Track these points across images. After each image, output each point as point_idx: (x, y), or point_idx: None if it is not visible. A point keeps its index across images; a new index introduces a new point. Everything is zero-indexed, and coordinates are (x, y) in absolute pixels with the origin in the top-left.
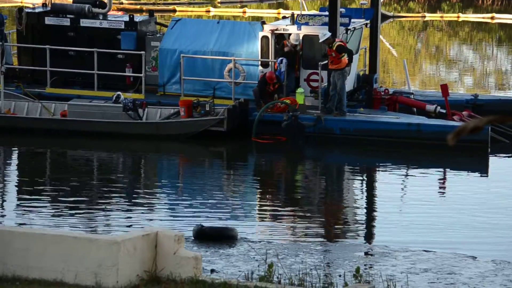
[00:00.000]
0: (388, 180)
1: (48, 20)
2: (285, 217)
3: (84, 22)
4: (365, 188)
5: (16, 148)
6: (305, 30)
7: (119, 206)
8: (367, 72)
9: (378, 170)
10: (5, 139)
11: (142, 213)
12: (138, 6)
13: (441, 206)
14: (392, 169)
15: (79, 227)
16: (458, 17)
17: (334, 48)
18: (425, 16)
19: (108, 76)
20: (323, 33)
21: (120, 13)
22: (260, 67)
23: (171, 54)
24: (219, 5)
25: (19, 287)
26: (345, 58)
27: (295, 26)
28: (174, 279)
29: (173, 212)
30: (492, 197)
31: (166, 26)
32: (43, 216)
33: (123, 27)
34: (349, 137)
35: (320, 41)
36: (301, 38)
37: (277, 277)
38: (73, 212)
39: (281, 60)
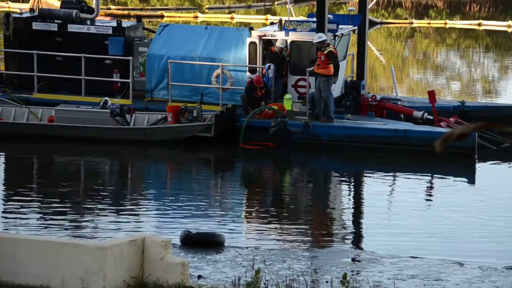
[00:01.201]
0: (375, 186)
1: (36, 25)
2: (272, 223)
3: (72, 28)
4: (352, 194)
5: (3, 154)
6: (293, 36)
7: (106, 212)
8: (354, 78)
9: (366, 176)
10: None
11: (129, 218)
12: (126, 12)
13: (428, 213)
14: (379, 175)
15: (66, 233)
16: (446, 23)
17: (325, 53)
18: (412, 23)
19: (95, 82)
20: (319, 35)
21: (107, 18)
22: (247, 73)
23: (158, 59)
24: (207, 11)
25: None
26: (331, 67)
27: (283, 32)
28: (161, 285)
29: (160, 218)
30: (479, 204)
31: (153, 31)
32: (30, 222)
33: (110, 32)
34: (336, 143)
35: (314, 41)
36: (288, 44)
37: (264, 283)
38: (60, 217)
39: (269, 66)
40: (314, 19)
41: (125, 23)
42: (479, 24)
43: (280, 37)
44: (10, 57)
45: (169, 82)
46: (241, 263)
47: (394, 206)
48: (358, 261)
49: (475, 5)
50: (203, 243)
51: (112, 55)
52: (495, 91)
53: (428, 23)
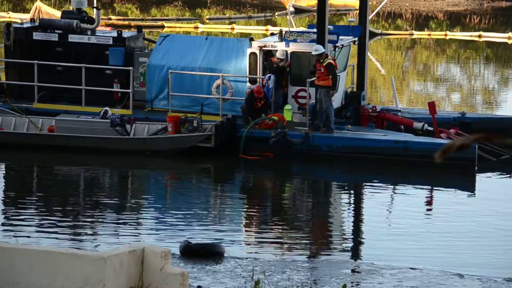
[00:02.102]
0: (375, 197)
1: (36, 36)
2: (272, 233)
3: (72, 38)
4: (352, 205)
5: (3, 163)
6: (293, 47)
7: (105, 222)
8: (355, 89)
9: (365, 187)
10: None
11: (129, 229)
12: (127, 22)
13: (428, 224)
14: (379, 186)
15: (65, 243)
16: (446, 35)
17: (324, 64)
18: (412, 34)
19: (96, 92)
20: (316, 48)
21: (108, 28)
22: (248, 84)
23: (159, 70)
24: (207, 21)
25: None
26: (330, 79)
27: (283, 43)
28: None
29: (160, 228)
30: (479, 215)
31: (154, 42)
32: (30, 232)
33: (111, 42)
34: (336, 154)
35: (313, 53)
36: (288, 54)
37: None
38: (60, 227)
39: (269, 77)
40: (315, 30)
41: (126, 33)
42: (480, 36)
43: (281, 48)
44: (10, 67)
45: (170, 92)
46: (240, 274)
47: (393, 217)
48: (358, 272)
49: (475, 17)
50: (202, 254)
51: (113, 65)
52: (495, 103)
53: (429, 35)
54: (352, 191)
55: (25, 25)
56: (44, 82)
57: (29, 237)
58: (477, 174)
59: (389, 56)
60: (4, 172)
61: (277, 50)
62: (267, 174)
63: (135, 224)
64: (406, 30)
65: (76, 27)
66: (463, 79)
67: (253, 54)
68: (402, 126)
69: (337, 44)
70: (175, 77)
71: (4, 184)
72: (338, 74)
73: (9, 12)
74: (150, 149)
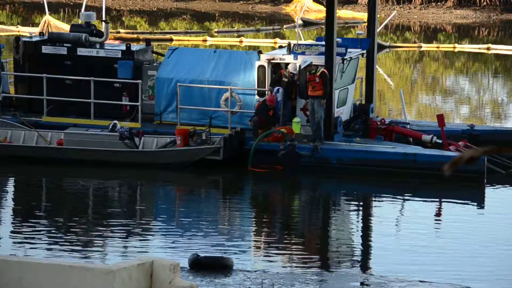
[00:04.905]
0: (384, 209)
1: (45, 49)
2: (281, 246)
3: (81, 51)
4: (361, 218)
5: (12, 177)
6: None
7: (114, 235)
8: (363, 102)
9: (374, 200)
10: (1, 168)
11: (138, 242)
12: (135, 35)
13: (437, 237)
14: (388, 199)
15: (74, 256)
16: (454, 47)
17: (318, 74)
18: (421, 46)
19: (104, 105)
20: (304, 60)
21: (117, 42)
22: (256, 96)
23: (167, 83)
24: (216, 34)
25: None
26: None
27: (292, 56)
28: None
29: (169, 241)
30: (488, 228)
31: (162, 55)
32: (38, 245)
33: (120, 56)
34: (345, 167)
35: (302, 67)
36: (297, 67)
37: None
38: (69, 240)
39: (278, 90)
40: (323, 42)
41: (134, 46)
42: (488, 48)
43: (292, 62)
44: (20, 80)
45: (178, 105)
46: (249, 287)
47: (402, 229)
48: (367, 285)
49: (484, 29)
50: (211, 267)
51: (121, 78)
52: (504, 115)
53: (437, 47)
54: (360, 204)
55: (34, 39)
56: (53, 96)
57: (38, 250)
58: (486, 187)
59: (397, 69)
60: (13, 185)
61: (285, 63)
62: (276, 187)
63: (144, 237)
64: (415, 42)
65: (85, 41)
66: (471, 91)
67: (261, 67)
68: (411, 139)
69: (345, 57)
70: (183, 90)
71: (13, 197)
72: (347, 86)
73: (18, 26)
74: (158, 162)
